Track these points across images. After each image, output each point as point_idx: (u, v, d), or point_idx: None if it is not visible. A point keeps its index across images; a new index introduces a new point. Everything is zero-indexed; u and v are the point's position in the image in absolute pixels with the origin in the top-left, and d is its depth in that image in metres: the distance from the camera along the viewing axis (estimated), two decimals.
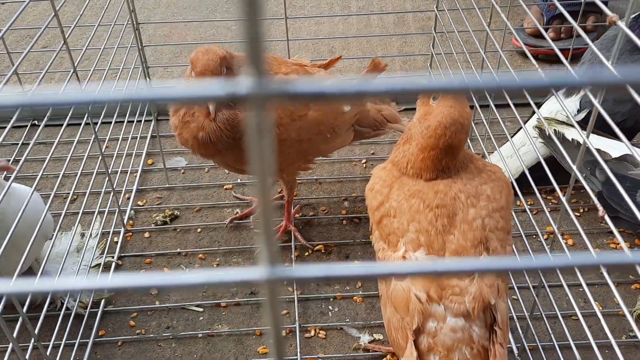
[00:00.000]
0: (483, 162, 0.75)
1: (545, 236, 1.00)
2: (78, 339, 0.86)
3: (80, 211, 0.95)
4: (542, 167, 0.81)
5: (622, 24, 0.50)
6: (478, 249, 0.68)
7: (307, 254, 1.03)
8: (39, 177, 0.80)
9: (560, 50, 0.75)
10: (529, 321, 0.82)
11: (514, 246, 0.97)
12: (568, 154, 1.06)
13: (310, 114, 0.93)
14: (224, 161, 0.95)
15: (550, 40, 0.71)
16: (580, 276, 0.71)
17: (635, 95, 0.52)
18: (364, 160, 1.23)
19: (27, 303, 0.75)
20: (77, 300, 0.91)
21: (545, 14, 1.53)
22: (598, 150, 1.02)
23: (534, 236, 1.03)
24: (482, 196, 0.70)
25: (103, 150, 0.97)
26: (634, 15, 1.10)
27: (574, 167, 0.66)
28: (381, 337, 0.89)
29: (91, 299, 0.92)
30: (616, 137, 1.01)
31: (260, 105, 0.18)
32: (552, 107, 1.13)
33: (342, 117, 0.98)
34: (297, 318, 0.91)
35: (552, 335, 0.81)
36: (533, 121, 1.13)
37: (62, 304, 0.89)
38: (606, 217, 0.59)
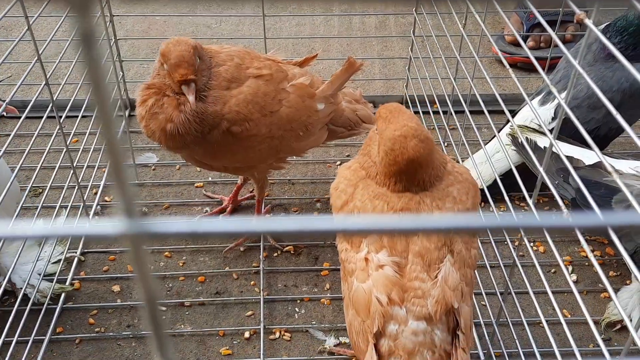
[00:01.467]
0: (452, 164, 0.74)
1: (516, 242, 0.99)
2: (32, 336, 0.83)
3: (40, 204, 0.92)
4: (514, 175, 0.80)
5: (589, 22, 0.49)
6: (442, 251, 0.67)
7: (275, 254, 1.02)
8: None
9: (538, 58, 0.75)
10: (495, 327, 0.81)
11: (482, 250, 0.96)
12: (540, 161, 1.06)
13: (282, 110, 0.92)
14: (192, 155, 0.93)
15: (527, 49, 0.71)
16: (546, 284, 0.70)
17: (607, 103, 0.52)
18: (338, 162, 1.22)
19: None
20: (36, 290, 0.88)
21: (525, 22, 1.53)
22: (571, 158, 1.02)
23: (505, 242, 1.03)
24: (448, 198, 0.69)
25: (68, 144, 0.94)
26: (604, 25, 1.10)
27: (541, 170, 0.66)
28: (347, 340, 0.87)
29: (51, 290, 0.89)
30: (589, 146, 1.02)
31: (137, 244, 0.18)
32: (527, 114, 1.13)
33: (316, 115, 0.97)
34: (262, 319, 0.89)
35: (517, 342, 0.80)
36: (507, 128, 1.13)
37: (21, 290, 0.86)
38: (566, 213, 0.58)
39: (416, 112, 1.29)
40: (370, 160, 0.73)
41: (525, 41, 1.43)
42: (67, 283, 0.93)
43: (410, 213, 0.68)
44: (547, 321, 0.89)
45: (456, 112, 1.06)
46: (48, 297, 0.89)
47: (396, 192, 0.69)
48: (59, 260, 0.94)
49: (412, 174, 0.68)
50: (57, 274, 0.92)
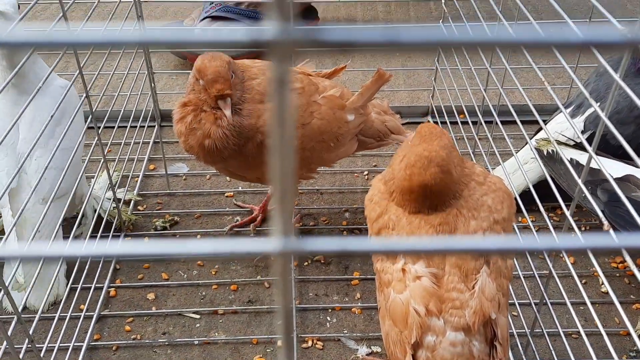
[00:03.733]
0: (484, 175, 0.74)
1: (554, 253, 0.99)
2: (72, 342, 0.85)
3: (81, 213, 0.94)
4: (542, 186, 0.81)
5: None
6: (479, 262, 0.67)
7: (305, 263, 1.03)
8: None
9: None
10: (530, 338, 0.81)
11: (515, 262, 0.96)
12: (567, 174, 1.06)
13: (313, 122, 0.93)
14: (227, 168, 0.94)
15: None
16: (584, 294, 0.70)
17: None
18: (365, 172, 1.23)
19: (23, 302, 0.74)
20: (107, 213, 1.02)
21: None
22: (598, 171, 1.02)
23: (536, 253, 1.03)
24: (483, 207, 0.69)
25: (105, 154, 0.97)
26: None
27: (579, 181, 0.66)
28: (379, 350, 0.88)
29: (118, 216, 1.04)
30: (617, 158, 1.01)
31: (287, 53, 0.17)
32: (554, 127, 1.13)
33: (346, 127, 0.98)
34: (294, 327, 0.90)
35: (553, 352, 0.80)
36: (533, 141, 1.13)
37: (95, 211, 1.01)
38: (611, 232, 0.59)
39: (443, 123, 1.30)
40: (391, 171, 0.73)
41: None
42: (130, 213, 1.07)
43: (448, 226, 0.68)
44: (578, 332, 0.89)
45: (485, 123, 1.07)
46: (117, 218, 1.04)
47: (412, 213, 0.69)
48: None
49: (423, 197, 0.68)
50: (121, 203, 1.07)
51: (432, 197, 0.68)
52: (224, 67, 0.85)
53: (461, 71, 1.19)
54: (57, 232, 0.88)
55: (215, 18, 1.60)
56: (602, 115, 0.61)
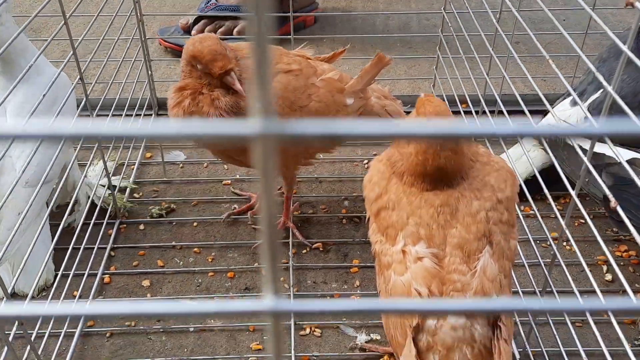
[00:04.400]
0: (487, 155, 0.72)
1: (556, 241, 0.97)
2: (65, 329, 0.83)
3: (73, 199, 0.92)
4: (544, 174, 0.81)
5: (639, 5, 0.48)
6: (481, 242, 0.65)
7: (304, 251, 1.01)
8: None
9: None
10: (533, 325, 0.79)
11: (519, 248, 0.94)
12: (571, 158, 1.04)
13: (311, 104, 0.91)
14: (226, 153, 0.93)
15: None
16: (593, 282, 0.68)
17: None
18: (365, 161, 1.21)
19: (12, 284, 0.72)
20: (101, 200, 1.01)
21: None
22: (602, 155, 1.00)
23: (538, 241, 1.01)
24: (486, 187, 0.67)
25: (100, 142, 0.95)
26: None
27: (586, 160, 0.64)
28: (379, 337, 0.86)
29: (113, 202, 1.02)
30: (621, 145, 1.00)
31: (270, 146, 0.18)
32: (558, 115, 1.11)
33: (345, 110, 0.96)
34: (292, 315, 0.88)
35: (557, 339, 0.78)
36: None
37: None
38: (618, 208, 0.57)
39: None
40: (398, 153, 0.71)
41: None
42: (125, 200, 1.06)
43: (448, 208, 0.66)
44: (582, 320, 0.87)
45: (485, 112, 1.05)
46: (111, 205, 1.03)
47: (426, 191, 0.68)
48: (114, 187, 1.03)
49: (437, 179, 0.67)
50: (116, 190, 1.05)
51: (447, 177, 0.67)
52: (218, 43, 0.83)
53: (464, 60, 1.18)
54: (44, 217, 0.86)
55: (210, 19, 1.58)
56: (610, 90, 0.58)
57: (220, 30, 1.57)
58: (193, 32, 1.56)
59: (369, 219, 0.73)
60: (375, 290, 0.93)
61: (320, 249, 1.01)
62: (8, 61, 0.90)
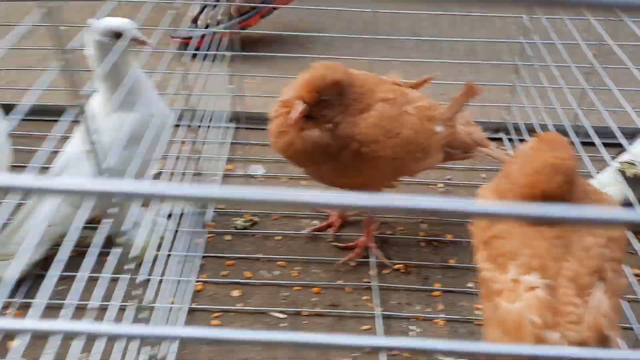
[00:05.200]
0: (596, 192, 0.74)
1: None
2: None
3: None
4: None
5: None
6: (593, 277, 0.67)
7: (386, 272, 1.03)
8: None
9: None
10: None
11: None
12: None
13: (403, 132, 0.94)
14: (318, 173, 0.97)
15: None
16: None
17: None
18: (440, 185, 1.23)
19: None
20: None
21: None
22: None
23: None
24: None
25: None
26: None
27: None
28: None
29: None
30: None
31: None
32: (638, 151, 1.11)
33: (434, 138, 0.99)
34: (382, 334, 0.90)
35: None
36: (617, 163, 1.12)
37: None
38: None
39: (520, 140, 1.29)
40: (507, 181, 0.74)
41: None
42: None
43: (562, 240, 0.68)
44: None
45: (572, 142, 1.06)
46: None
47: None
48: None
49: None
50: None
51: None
52: (323, 80, 0.88)
53: (551, 91, 1.19)
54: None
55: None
56: None
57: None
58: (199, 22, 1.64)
59: (476, 246, 0.75)
60: (460, 315, 0.95)
61: (402, 270, 1.03)
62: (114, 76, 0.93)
